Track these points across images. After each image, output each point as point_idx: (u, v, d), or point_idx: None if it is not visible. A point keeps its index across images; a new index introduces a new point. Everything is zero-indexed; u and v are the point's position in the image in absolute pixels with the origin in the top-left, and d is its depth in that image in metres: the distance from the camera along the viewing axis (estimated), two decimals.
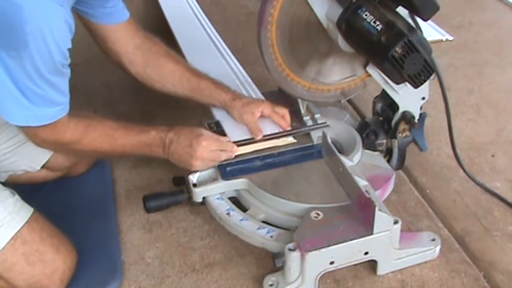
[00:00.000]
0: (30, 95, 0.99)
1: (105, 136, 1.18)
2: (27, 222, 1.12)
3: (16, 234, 1.10)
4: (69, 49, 1.00)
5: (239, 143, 1.29)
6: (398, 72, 1.09)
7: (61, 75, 1.02)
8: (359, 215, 1.12)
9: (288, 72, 1.29)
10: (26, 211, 1.14)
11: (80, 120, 1.15)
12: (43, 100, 1.01)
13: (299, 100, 1.38)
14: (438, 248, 1.22)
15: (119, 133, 1.20)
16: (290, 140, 1.34)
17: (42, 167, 1.36)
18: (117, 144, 1.20)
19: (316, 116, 1.40)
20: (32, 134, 1.10)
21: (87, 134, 1.15)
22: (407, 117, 1.30)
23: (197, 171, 1.25)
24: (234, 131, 1.33)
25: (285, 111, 1.36)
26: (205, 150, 1.22)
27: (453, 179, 1.46)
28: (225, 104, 1.37)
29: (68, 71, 1.04)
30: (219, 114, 1.39)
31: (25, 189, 1.23)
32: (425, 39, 1.11)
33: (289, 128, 1.35)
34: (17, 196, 1.15)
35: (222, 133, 1.32)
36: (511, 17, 2.40)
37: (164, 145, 1.23)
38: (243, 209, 1.24)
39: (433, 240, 1.23)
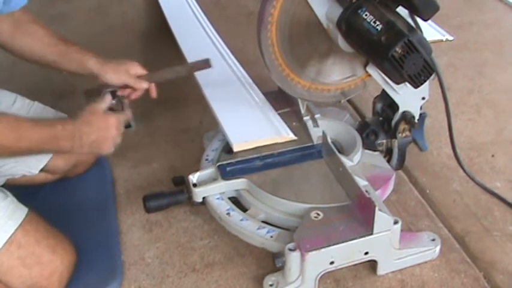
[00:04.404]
0: None
1: (9, 128, 1.07)
2: (20, 225, 1.10)
3: (10, 238, 1.08)
4: None
5: (241, 145, 1.30)
6: (398, 72, 1.09)
7: None
8: (359, 215, 1.12)
9: (288, 72, 1.29)
10: (19, 214, 1.12)
11: None
12: None
13: (299, 100, 1.38)
14: (438, 248, 1.22)
15: (25, 126, 1.10)
16: (291, 137, 1.34)
17: (41, 171, 1.35)
18: (23, 138, 1.10)
19: (316, 116, 1.40)
20: None
21: None
22: (407, 117, 1.30)
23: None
24: (235, 133, 1.33)
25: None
26: (117, 128, 1.22)
27: (453, 179, 1.46)
28: (96, 69, 1.33)
29: None
30: (220, 116, 1.39)
31: (24, 189, 1.23)
32: (425, 39, 1.11)
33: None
34: (9, 198, 1.13)
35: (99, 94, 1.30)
36: (511, 17, 2.40)
37: (74, 137, 1.16)
38: (243, 209, 1.24)
39: (433, 240, 1.23)
